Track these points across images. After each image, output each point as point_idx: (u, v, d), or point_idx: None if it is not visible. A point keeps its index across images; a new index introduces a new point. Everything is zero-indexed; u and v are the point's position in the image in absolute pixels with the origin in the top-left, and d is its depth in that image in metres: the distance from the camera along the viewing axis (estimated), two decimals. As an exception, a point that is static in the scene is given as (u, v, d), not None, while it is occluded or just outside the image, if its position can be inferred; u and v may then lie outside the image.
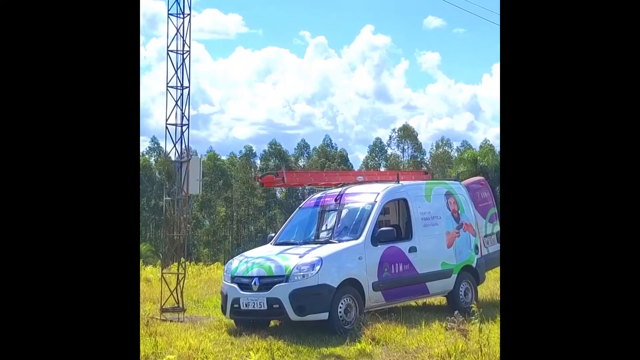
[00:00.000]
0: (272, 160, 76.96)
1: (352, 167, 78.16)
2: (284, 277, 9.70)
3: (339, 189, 11.55)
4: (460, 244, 11.79)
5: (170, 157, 12.25)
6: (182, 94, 11.90)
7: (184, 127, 11.87)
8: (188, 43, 11.92)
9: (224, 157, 79.96)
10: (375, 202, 10.85)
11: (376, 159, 79.92)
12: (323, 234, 10.94)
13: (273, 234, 11.68)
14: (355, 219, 10.79)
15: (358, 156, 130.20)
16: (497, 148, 69.33)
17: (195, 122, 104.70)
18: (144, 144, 76.64)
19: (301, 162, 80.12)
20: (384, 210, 11.27)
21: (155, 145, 76.04)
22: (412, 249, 10.92)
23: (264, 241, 11.81)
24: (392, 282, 10.52)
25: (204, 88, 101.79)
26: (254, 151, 79.65)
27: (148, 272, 22.84)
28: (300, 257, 9.96)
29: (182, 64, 11.94)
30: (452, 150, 79.59)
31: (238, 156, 79.57)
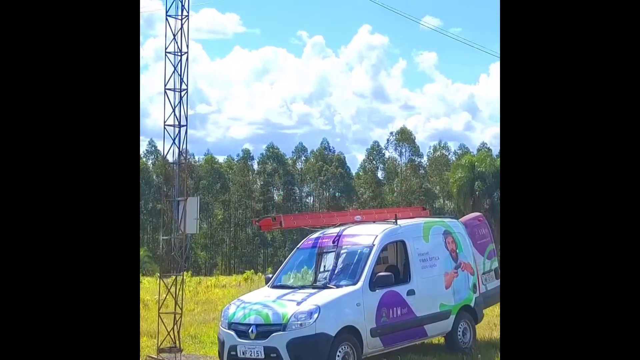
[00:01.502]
0: (269, 164, 76.92)
1: (349, 170, 78.15)
2: (282, 326, 9.65)
3: (337, 229, 11.47)
4: (458, 284, 11.73)
5: (169, 196, 12.19)
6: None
7: (182, 163, 11.83)
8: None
9: (221, 160, 79.95)
10: (373, 245, 10.78)
11: (374, 162, 79.92)
12: (321, 276, 10.88)
13: (271, 275, 11.62)
14: (353, 263, 10.71)
15: (356, 156, 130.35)
16: (495, 149, 69.50)
17: (192, 122, 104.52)
18: (142, 145, 76.58)
19: (299, 165, 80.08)
20: (382, 248, 11.21)
21: (153, 148, 75.98)
22: (410, 292, 10.86)
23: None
24: (390, 328, 10.46)
25: (201, 88, 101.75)
26: (251, 154, 79.72)
27: (144, 291, 22.76)
28: (297, 304, 9.90)
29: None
30: (449, 154, 79.60)
31: (236, 159, 79.50)
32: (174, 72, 11.83)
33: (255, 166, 79.61)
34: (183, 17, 11.73)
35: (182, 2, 11.73)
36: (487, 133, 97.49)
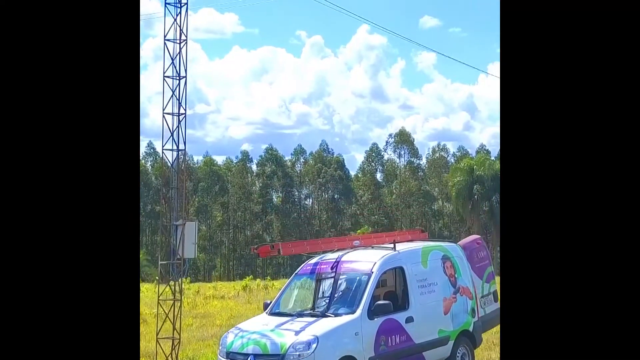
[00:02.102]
0: (268, 166, 76.90)
1: (348, 172, 78.12)
2: (280, 356, 9.62)
3: (335, 255, 11.43)
4: (456, 309, 11.70)
5: (166, 221, 12.15)
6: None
7: (180, 188, 11.81)
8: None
9: (220, 162, 79.94)
10: (372, 272, 10.74)
11: (373, 163, 79.89)
12: (319, 303, 10.86)
13: (269, 301, 11.55)
14: (351, 291, 10.68)
15: (355, 156, 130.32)
16: (494, 150, 69.58)
17: (191, 122, 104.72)
18: (141, 145, 76.51)
19: (298, 167, 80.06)
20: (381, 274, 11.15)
21: (152, 150, 75.98)
22: (409, 319, 10.83)
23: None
24: (389, 356, 10.43)
25: (200, 87, 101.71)
26: (250, 156, 79.76)
27: (142, 302, 22.63)
28: (296, 334, 9.87)
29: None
30: (448, 155, 79.62)
31: (234, 161, 79.55)
32: (172, 96, 11.82)
33: (254, 168, 79.66)
34: (181, 41, 11.71)
35: (180, 26, 11.71)
36: (485, 133, 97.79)
